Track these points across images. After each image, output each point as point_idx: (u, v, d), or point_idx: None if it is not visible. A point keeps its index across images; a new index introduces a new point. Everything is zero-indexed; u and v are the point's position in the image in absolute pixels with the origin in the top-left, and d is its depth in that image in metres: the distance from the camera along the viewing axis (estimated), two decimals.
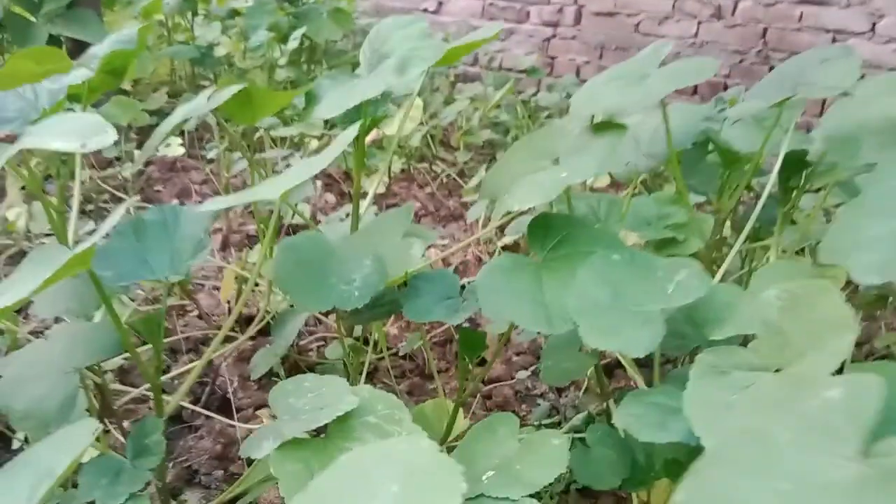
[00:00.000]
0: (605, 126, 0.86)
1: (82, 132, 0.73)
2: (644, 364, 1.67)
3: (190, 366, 1.23)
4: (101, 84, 0.95)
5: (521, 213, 1.99)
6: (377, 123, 1.13)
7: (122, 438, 1.06)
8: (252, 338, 1.50)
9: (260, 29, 3.00)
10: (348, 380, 1.36)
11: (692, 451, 0.82)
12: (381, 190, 2.62)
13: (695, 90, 3.60)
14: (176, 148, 2.09)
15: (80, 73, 0.89)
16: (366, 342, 1.40)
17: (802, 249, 1.47)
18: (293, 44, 3.03)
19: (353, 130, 0.77)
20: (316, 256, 0.89)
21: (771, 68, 2.65)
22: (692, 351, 1.15)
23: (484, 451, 0.82)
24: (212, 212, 0.76)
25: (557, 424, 1.36)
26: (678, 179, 0.96)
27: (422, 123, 2.86)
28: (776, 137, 1.19)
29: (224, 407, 1.26)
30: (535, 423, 1.32)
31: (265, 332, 1.35)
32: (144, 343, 1.30)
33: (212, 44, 3.12)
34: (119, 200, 2.10)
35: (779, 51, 3.37)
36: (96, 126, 0.74)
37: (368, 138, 2.47)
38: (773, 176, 1.03)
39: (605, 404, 1.15)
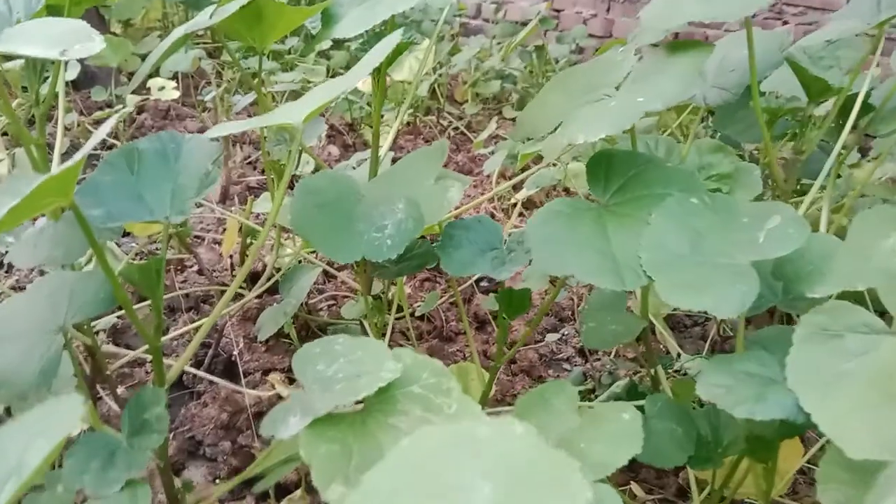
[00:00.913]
0: (685, 45, 0.72)
1: (63, 38, 0.60)
2: (673, 327, 1.57)
3: (190, 326, 1.11)
4: None
5: (537, 168, 1.86)
6: (403, 51, 0.99)
7: (116, 407, 0.94)
8: (258, 296, 1.38)
9: None
10: None
11: (783, 428, 0.71)
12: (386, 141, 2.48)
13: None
14: (170, 92, 1.94)
15: None
16: (379, 300, 1.29)
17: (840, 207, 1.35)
18: None
19: (392, 38, 0.63)
20: (340, 199, 0.76)
21: None
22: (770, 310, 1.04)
23: (539, 426, 0.70)
24: (220, 138, 0.64)
25: (591, 392, 1.25)
26: (761, 122, 0.83)
27: (428, 74, 2.71)
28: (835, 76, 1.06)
29: (230, 371, 1.14)
30: None
31: (272, 289, 1.23)
32: (141, 299, 1.18)
33: None
34: (110, 149, 1.96)
35: None
36: (80, 31, 0.61)
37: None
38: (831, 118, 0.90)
39: (652, 371, 1.04)
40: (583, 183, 1.77)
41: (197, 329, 1.11)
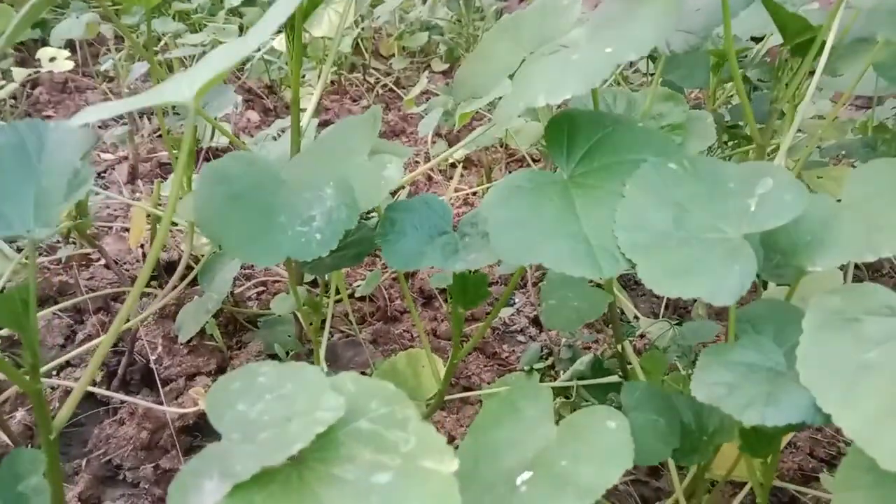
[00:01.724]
0: None
1: None
2: (625, 285, 1.49)
3: (95, 342, 0.97)
4: None
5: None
6: (319, 3, 0.86)
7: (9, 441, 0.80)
8: (174, 288, 1.24)
9: None
10: (302, 338, 1.12)
11: None
12: (309, 104, 2.31)
13: None
14: (63, 62, 1.73)
15: None
16: (315, 284, 1.16)
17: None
18: None
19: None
20: (257, 187, 0.63)
21: None
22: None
23: (509, 440, 0.61)
24: (90, 124, 0.50)
25: (551, 368, 1.16)
26: (733, 65, 0.73)
27: (350, 28, 2.54)
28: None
29: (148, 379, 1.01)
30: (526, 367, 1.12)
31: (192, 281, 1.09)
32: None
33: None
34: None
35: None
36: None
37: None
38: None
39: (618, 346, 0.95)
40: (524, 140, 1.67)
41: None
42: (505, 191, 0.62)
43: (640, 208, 0.59)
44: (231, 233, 0.60)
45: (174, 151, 0.95)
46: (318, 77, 2.40)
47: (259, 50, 2.11)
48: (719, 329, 1.02)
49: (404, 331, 1.27)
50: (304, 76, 2.38)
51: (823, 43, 0.77)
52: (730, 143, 1.69)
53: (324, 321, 0.90)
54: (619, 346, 0.94)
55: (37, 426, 0.90)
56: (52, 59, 1.74)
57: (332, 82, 2.48)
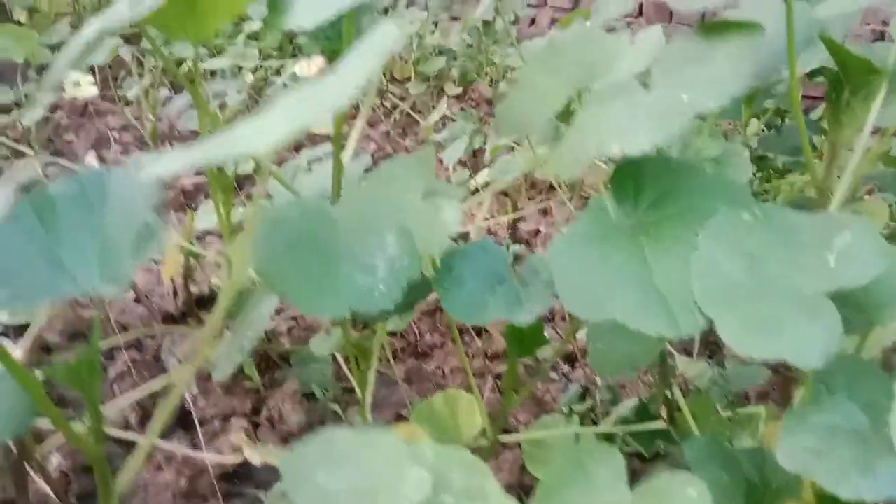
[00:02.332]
0: (726, 26, 0.60)
1: None
2: None
3: (141, 390, 0.94)
4: None
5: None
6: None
7: (47, 489, 0.78)
8: (203, 322, 1.22)
9: None
10: (339, 377, 1.10)
11: None
12: (327, 129, 2.31)
13: None
14: (87, 88, 1.73)
15: None
16: (354, 323, 1.14)
17: None
18: None
19: (389, 35, 0.48)
20: (314, 233, 0.62)
21: None
22: None
23: None
24: (161, 177, 0.48)
25: (591, 411, 1.14)
26: (795, 103, 0.71)
27: None
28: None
29: (183, 421, 0.99)
30: (565, 408, 1.09)
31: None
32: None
33: None
34: (21, 155, 1.74)
35: None
36: None
37: (313, 68, 2.15)
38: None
39: (667, 392, 0.93)
40: (551, 170, 1.65)
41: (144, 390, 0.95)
42: (571, 239, 0.60)
43: (715, 260, 0.57)
44: (292, 283, 0.57)
45: (214, 183, 0.93)
46: (358, 113, 2.39)
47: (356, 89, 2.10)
48: (768, 374, 1.00)
49: (436, 367, 1.25)
50: None
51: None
52: (757, 175, 1.67)
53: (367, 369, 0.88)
54: (668, 392, 0.91)
55: (76, 472, 0.88)
56: (76, 85, 1.73)
57: (352, 106, 2.48)
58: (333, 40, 0.85)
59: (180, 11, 0.70)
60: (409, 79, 2.70)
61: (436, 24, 2.97)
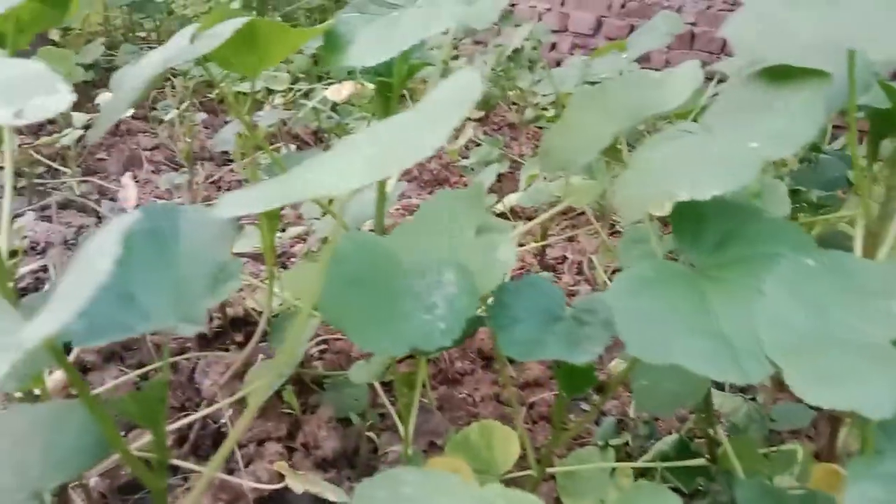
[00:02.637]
0: (794, 73, 0.59)
1: (14, 90, 0.44)
2: None
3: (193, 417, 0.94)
4: (36, 17, 0.65)
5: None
6: (416, 71, 0.85)
7: None
8: (238, 343, 1.22)
9: None
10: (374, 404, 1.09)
11: None
12: None
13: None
14: None
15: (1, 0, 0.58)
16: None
17: None
18: None
19: (472, 84, 0.48)
20: (373, 268, 0.62)
21: None
22: None
23: None
24: (237, 216, 0.48)
25: (625, 445, 1.12)
26: (851, 145, 0.71)
27: None
28: None
29: (219, 443, 0.98)
30: (600, 442, 1.08)
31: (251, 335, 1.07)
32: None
33: None
34: (56, 173, 1.76)
35: None
36: (40, 79, 0.45)
37: (344, 93, 2.17)
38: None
39: (712, 430, 0.92)
40: (582, 198, 1.65)
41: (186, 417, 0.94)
42: (632, 282, 0.60)
43: (781, 307, 0.57)
44: (354, 320, 0.57)
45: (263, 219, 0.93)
46: (368, 124, 2.41)
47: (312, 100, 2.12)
48: (813, 415, 0.99)
49: (467, 395, 1.25)
50: (349, 125, 2.39)
51: None
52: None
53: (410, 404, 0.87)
54: (712, 430, 0.90)
55: (113, 493, 0.88)
56: None
57: None
58: (384, 73, 0.86)
59: (239, 47, 0.70)
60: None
61: (456, 48, 2.99)
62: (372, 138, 0.50)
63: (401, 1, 0.77)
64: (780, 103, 0.58)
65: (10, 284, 0.76)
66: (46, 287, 1.21)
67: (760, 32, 0.60)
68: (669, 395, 0.85)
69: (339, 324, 0.57)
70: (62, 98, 0.45)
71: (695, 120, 1.49)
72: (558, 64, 2.94)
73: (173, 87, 2.08)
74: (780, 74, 0.60)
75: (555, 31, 4.28)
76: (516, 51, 2.56)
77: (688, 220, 0.63)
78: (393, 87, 0.85)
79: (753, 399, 1.24)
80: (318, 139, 2.29)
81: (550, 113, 2.69)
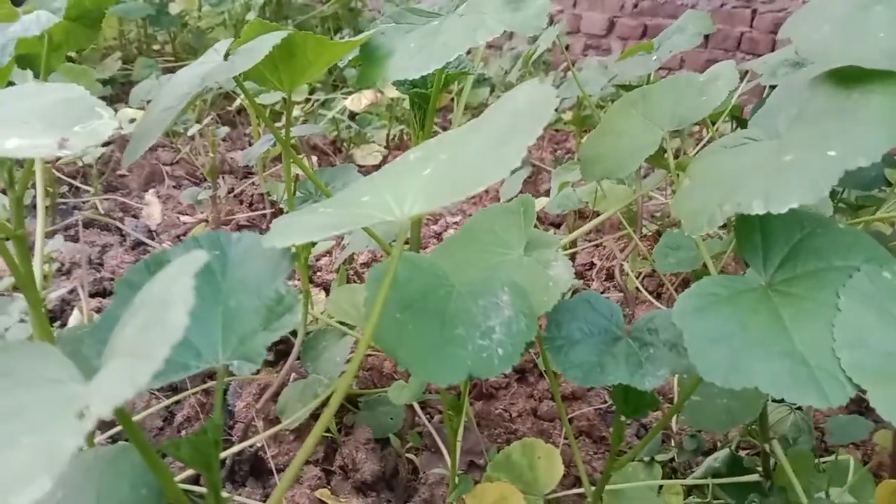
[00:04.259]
0: (867, 76, 0.56)
1: (57, 117, 0.42)
2: None
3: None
4: (69, 37, 0.63)
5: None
6: (453, 81, 0.82)
7: None
8: (269, 363, 1.19)
9: None
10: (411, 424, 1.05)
11: None
12: (375, 161, 2.30)
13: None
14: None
15: (36, 21, 0.56)
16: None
17: None
18: None
19: (547, 99, 0.45)
20: (425, 291, 0.59)
21: None
22: None
23: None
24: (290, 247, 0.46)
25: (670, 461, 1.09)
26: None
27: None
28: None
29: (257, 470, 0.96)
30: (646, 458, 1.05)
31: (286, 353, 1.05)
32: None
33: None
34: (78, 191, 1.74)
35: None
36: (82, 105, 0.42)
37: (364, 102, 2.14)
38: None
39: (768, 445, 0.88)
40: (612, 203, 1.62)
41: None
42: (699, 299, 0.56)
43: (860, 324, 0.53)
44: (408, 347, 0.55)
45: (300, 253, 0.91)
46: (388, 134, 2.39)
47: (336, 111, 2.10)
48: (872, 427, 0.95)
49: (503, 410, 1.21)
50: (369, 135, 2.37)
51: None
52: None
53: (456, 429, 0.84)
54: (768, 445, 0.87)
55: None
56: (131, 121, 1.73)
57: (394, 137, 2.47)
58: (418, 84, 0.83)
59: (275, 62, 0.68)
60: (447, 107, 2.69)
61: (468, 52, 2.97)
62: (428, 157, 0.48)
63: (440, 9, 0.74)
64: (857, 109, 0.54)
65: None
66: (76, 313, 1.19)
67: (831, 34, 0.56)
68: (724, 412, 0.81)
69: (394, 353, 0.54)
70: (107, 124, 0.42)
71: (735, 120, 1.45)
72: (572, 65, 2.91)
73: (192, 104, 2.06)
74: (852, 78, 0.57)
75: (567, 33, 4.25)
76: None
77: (753, 230, 0.60)
78: (430, 99, 0.82)
79: (799, 408, 1.20)
80: (337, 149, 2.27)
81: (568, 116, 2.66)
